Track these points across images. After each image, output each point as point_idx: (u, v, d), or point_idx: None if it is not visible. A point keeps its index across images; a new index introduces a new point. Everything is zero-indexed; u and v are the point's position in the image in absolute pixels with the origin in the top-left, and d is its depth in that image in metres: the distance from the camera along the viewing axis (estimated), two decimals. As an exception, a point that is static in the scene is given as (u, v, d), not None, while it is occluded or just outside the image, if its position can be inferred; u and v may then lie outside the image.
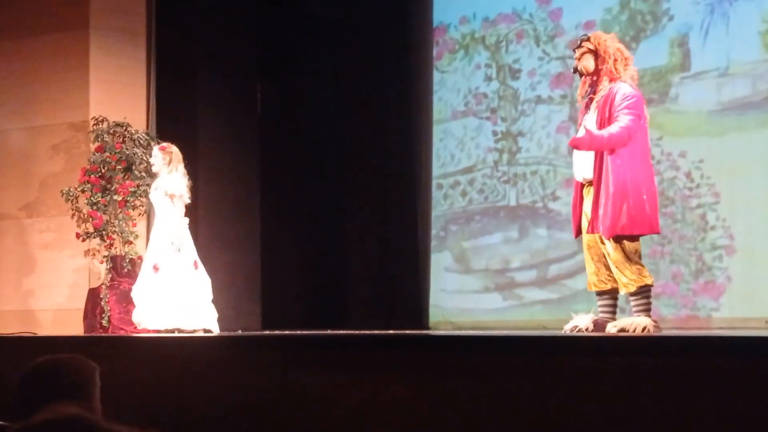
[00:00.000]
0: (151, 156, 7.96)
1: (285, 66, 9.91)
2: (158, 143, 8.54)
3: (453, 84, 9.40)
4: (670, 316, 8.01)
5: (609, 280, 5.55)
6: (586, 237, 5.61)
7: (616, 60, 5.57)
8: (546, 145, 8.87)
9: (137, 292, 7.35)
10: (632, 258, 5.41)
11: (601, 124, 5.49)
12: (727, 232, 7.88)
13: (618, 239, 5.39)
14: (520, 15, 9.06)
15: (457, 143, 9.34)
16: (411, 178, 9.53)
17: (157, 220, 7.46)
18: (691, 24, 8.13)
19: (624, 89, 5.49)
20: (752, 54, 7.83)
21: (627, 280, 5.40)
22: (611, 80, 5.54)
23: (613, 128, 5.41)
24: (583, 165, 5.64)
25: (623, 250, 5.41)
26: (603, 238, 5.45)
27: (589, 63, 5.63)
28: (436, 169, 9.42)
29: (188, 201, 7.42)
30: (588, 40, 5.68)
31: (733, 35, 7.92)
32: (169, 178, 7.36)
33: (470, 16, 9.35)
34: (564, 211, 8.71)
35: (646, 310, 5.41)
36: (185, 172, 7.44)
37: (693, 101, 8.09)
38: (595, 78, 5.63)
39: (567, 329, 5.60)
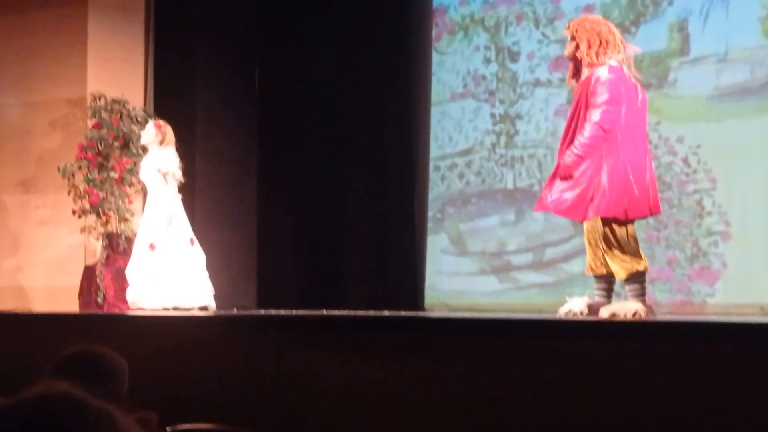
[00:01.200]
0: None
1: (283, 45, 9.89)
2: (156, 120, 8.55)
3: (452, 65, 9.38)
4: (666, 302, 8.03)
5: (605, 265, 5.56)
6: (587, 222, 5.61)
7: (589, 46, 5.48)
8: (544, 128, 8.86)
9: (132, 271, 7.34)
10: (625, 244, 5.40)
11: (575, 112, 5.47)
12: (723, 218, 7.88)
13: (608, 224, 5.39)
14: (520, -3, 9.03)
15: (455, 125, 9.33)
16: (408, 159, 9.52)
17: (150, 198, 7.45)
18: (691, 9, 8.11)
19: (599, 74, 5.42)
20: (751, 40, 7.82)
21: (618, 267, 5.40)
22: (589, 65, 5.48)
23: (584, 133, 5.37)
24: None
25: (614, 235, 5.41)
26: (599, 223, 5.46)
27: (568, 49, 5.60)
28: (434, 151, 9.41)
29: (181, 179, 7.41)
30: (568, 24, 5.65)
31: (733, 21, 7.90)
32: (161, 155, 7.33)
33: (470, -3, 9.32)
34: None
35: (640, 295, 5.42)
36: (176, 153, 7.42)
37: (691, 86, 8.08)
38: (575, 64, 5.60)
39: (562, 313, 5.61)
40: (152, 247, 7.26)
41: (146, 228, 7.37)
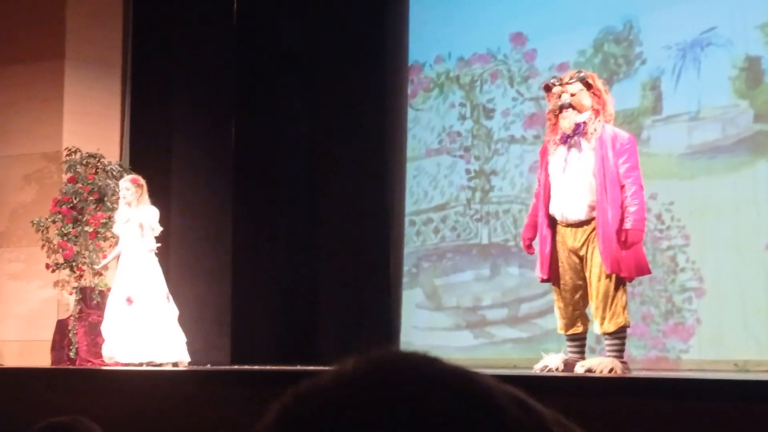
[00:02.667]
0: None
1: (260, 100, 9.93)
2: (132, 177, 8.54)
3: (427, 122, 9.45)
4: (640, 357, 8.03)
5: (579, 323, 5.56)
6: (564, 278, 5.60)
7: (606, 102, 5.53)
8: (519, 184, 8.92)
9: (108, 325, 7.29)
10: (619, 299, 5.42)
11: (603, 165, 5.43)
12: (697, 275, 7.93)
13: (615, 279, 5.40)
14: (494, 55, 9.13)
15: (431, 180, 9.38)
16: (384, 215, 9.54)
17: (126, 252, 7.44)
18: (663, 68, 8.22)
19: (620, 131, 5.56)
20: (723, 99, 7.93)
21: (608, 321, 5.39)
22: (606, 121, 5.52)
23: (632, 205, 5.42)
24: (573, 206, 5.57)
25: (614, 290, 5.40)
26: (593, 277, 5.44)
27: (585, 99, 5.52)
28: (409, 206, 9.44)
29: (161, 229, 7.46)
30: (581, 73, 5.61)
31: (704, 80, 8.02)
32: (142, 209, 7.37)
33: (445, 55, 9.42)
34: (536, 250, 8.74)
35: (620, 351, 5.42)
36: (154, 207, 7.49)
37: (664, 144, 8.17)
38: (582, 116, 5.53)
39: (537, 369, 5.60)
40: (129, 300, 7.23)
41: (122, 282, 7.35)
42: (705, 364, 7.67)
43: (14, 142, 9.02)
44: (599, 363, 5.30)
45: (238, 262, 9.57)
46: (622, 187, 5.45)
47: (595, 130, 5.48)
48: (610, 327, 5.38)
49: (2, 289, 8.99)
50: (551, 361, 5.56)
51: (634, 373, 5.57)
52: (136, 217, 7.35)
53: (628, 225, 5.39)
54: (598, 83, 5.61)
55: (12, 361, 8.53)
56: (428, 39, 9.54)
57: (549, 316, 8.46)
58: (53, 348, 8.15)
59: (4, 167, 9.06)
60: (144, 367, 6.99)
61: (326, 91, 9.94)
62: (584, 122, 5.51)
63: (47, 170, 8.90)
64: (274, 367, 7.22)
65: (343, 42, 9.74)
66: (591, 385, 4.64)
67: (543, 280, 5.78)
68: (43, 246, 8.29)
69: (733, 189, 7.83)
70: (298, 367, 7.24)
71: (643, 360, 8.00)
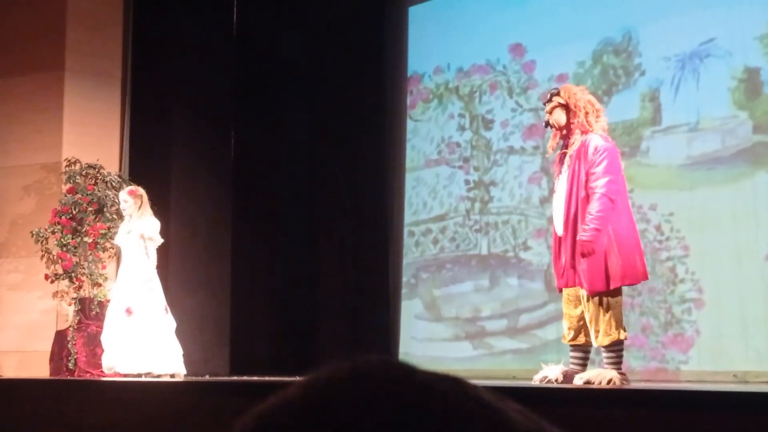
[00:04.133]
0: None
1: (259, 111, 9.95)
2: (130, 188, 8.54)
3: (426, 133, 9.46)
4: (639, 368, 8.03)
5: (583, 335, 5.55)
6: (565, 289, 5.61)
7: (587, 113, 5.57)
8: (518, 195, 8.92)
9: (108, 336, 7.29)
10: (612, 312, 5.41)
11: (573, 178, 5.49)
12: (696, 285, 7.92)
13: (598, 293, 5.41)
14: (494, 66, 9.15)
15: (430, 191, 9.38)
16: (383, 225, 9.55)
17: (128, 263, 7.44)
18: (663, 79, 8.23)
19: (595, 141, 5.50)
20: (722, 110, 7.94)
21: (602, 334, 5.39)
22: (583, 132, 5.55)
23: (595, 206, 5.38)
24: (557, 222, 5.65)
25: (608, 302, 5.41)
26: (582, 291, 5.46)
27: (560, 117, 5.63)
28: (408, 217, 9.45)
29: (161, 241, 7.47)
30: (558, 93, 5.68)
31: (703, 91, 8.03)
32: (144, 221, 7.38)
33: (444, 66, 9.44)
34: (535, 261, 8.75)
35: (617, 364, 5.42)
36: (155, 217, 7.49)
37: (663, 155, 8.18)
38: (566, 131, 5.64)
39: (537, 380, 5.59)
40: (129, 311, 7.23)
41: (122, 293, 7.35)
42: (704, 375, 7.67)
43: (14, 153, 9.02)
44: (598, 374, 5.30)
45: (237, 273, 9.57)
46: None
47: (573, 143, 5.53)
48: (605, 341, 5.39)
49: (1, 300, 8.98)
50: (551, 372, 5.55)
51: (633, 385, 5.56)
52: (137, 229, 7.36)
53: (579, 236, 5.44)
54: (576, 97, 5.63)
55: (11, 372, 8.52)
56: (427, 50, 9.56)
57: (548, 327, 8.47)
58: (52, 359, 8.15)
59: (3, 178, 9.07)
60: (142, 378, 6.99)
61: (325, 103, 9.95)
62: (561, 137, 5.64)
63: (47, 181, 8.90)
64: (272, 378, 7.21)
65: (342, 53, 9.76)
66: (590, 396, 4.64)
67: (560, 290, 5.77)
68: (43, 256, 8.29)
69: (733, 200, 7.83)
70: (297, 378, 7.23)
71: (643, 371, 7.99)
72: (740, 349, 7.64)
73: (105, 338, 7.32)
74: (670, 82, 8.19)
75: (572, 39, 8.69)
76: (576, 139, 5.55)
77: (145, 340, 7.17)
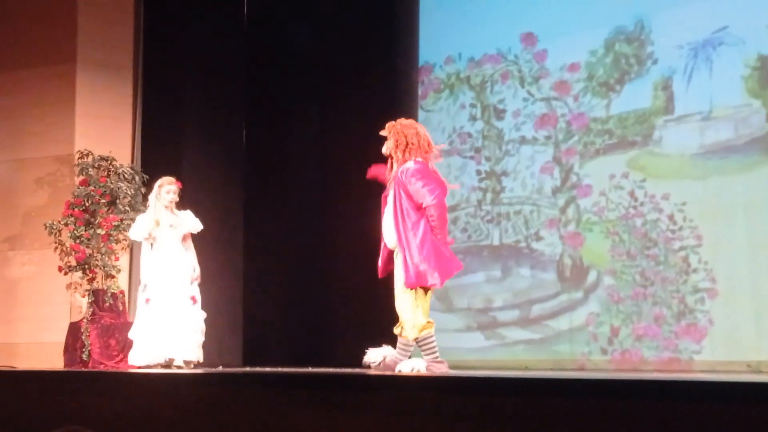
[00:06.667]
0: (135, 189, 8.00)
1: (271, 101, 9.94)
2: (143, 177, 8.56)
3: (438, 123, 9.44)
4: (653, 358, 8.02)
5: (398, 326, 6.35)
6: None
7: (405, 145, 6.21)
8: (530, 185, 8.91)
9: (147, 326, 7.25)
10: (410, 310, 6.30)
11: (394, 202, 6.25)
12: (709, 275, 7.90)
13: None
14: (505, 56, 9.13)
15: (442, 182, 9.36)
16: (395, 216, 9.52)
17: (172, 256, 7.39)
18: (675, 68, 8.20)
19: (406, 166, 6.16)
20: (735, 98, 7.90)
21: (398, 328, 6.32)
22: (398, 162, 6.23)
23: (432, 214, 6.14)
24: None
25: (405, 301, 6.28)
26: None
27: (385, 149, 6.34)
28: (420, 208, 9.43)
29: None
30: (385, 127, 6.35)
31: (716, 79, 7.99)
32: (187, 218, 7.43)
33: (456, 56, 9.42)
34: (547, 251, 8.74)
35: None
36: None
37: (676, 144, 8.15)
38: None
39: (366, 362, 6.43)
40: (194, 300, 7.30)
41: (168, 286, 7.30)
42: (717, 365, 7.65)
43: (27, 146, 9.05)
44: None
45: (249, 264, 9.58)
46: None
47: (391, 169, 6.29)
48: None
49: (15, 292, 9.02)
50: (373, 356, 6.42)
51: (646, 375, 5.55)
52: (182, 227, 7.37)
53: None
54: (396, 128, 6.29)
55: (25, 364, 8.57)
56: (438, 40, 9.53)
57: (560, 318, 8.47)
58: (66, 350, 8.18)
59: (16, 170, 9.10)
60: (156, 370, 7.01)
61: (337, 93, 9.93)
62: (389, 166, 6.37)
63: (60, 173, 8.93)
64: (285, 369, 7.23)
65: (353, 43, 9.74)
66: (607, 386, 4.62)
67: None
68: (56, 249, 8.32)
69: (746, 189, 7.80)
70: (310, 369, 7.25)
71: (656, 361, 7.98)
72: (753, 339, 7.62)
73: (144, 328, 7.26)
74: (683, 71, 8.16)
75: (584, 27, 8.66)
76: (394, 168, 6.28)
77: (170, 329, 7.18)
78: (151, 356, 7.16)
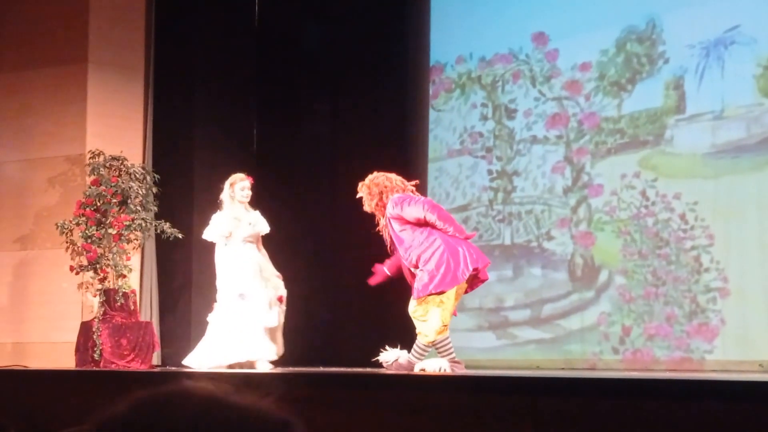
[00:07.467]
0: (146, 189, 8.01)
1: (282, 101, 9.95)
2: (154, 177, 8.58)
3: (449, 123, 9.44)
4: (664, 358, 8.00)
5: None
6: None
7: (379, 194, 6.61)
8: (541, 184, 8.90)
9: (232, 323, 7.22)
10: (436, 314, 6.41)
11: (391, 244, 6.63)
12: (721, 275, 7.88)
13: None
14: (516, 55, 9.11)
15: (452, 181, 9.36)
16: (406, 216, 9.52)
17: (253, 254, 7.41)
18: (687, 67, 8.18)
19: (390, 205, 6.52)
20: (747, 98, 7.88)
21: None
22: (380, 213, 6.63)
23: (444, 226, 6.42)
24: None
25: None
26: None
27: (366, 206, 6.70)
28: (431, 207, 9.42)
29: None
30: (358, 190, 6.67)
31: (728, 79, 7.97)
32: (259, 219, 7.41)
33: (467, 55, 9.41)
34: (559, 251, 8.72)
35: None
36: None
37: (688, 143, 8.13)
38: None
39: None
40: (281, 300, 7.45)
41: (237, 281, 7.28)
42: (729, 364, 7.63)
43: (38, 146, 9.07)
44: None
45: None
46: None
47: (379, 219, 6.70)
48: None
49: (27, 292, 9.05)
50: (386, 356, 6.55)
51: (658, 375, 5.54)
52: (257, 227, 7.35)
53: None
54: (366, 184, 6.71)
55: (36, 363, 8.58)
56: (450, 39, 9.53)
57: (572, 317, 8.45)
58: (77, 350, 8.19)
59: (28, 170, 9.12)
60: (167, 369, 7.00)
61: (348, 93, 9.94)
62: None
63: (71, 173, 8.94)
64: (296, 369, 7.23)
65: (364, 43, 9.74)
66: (618, 386, 4.62)
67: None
68: (68, 248, 8.34)
69: (758, 188, 7.78)
70: (321, 369, 7.25)
71: (667, 360, 7.97)
72: (766, 339, 7.60)
73: (226, 325, 7.20)
74: (695, 70, 8.14)
75: (595, 27, 8.65)
76: (381, 221, 6.69)
77: (256, 327, 7.17)
78: (234, 356, 7.07)
